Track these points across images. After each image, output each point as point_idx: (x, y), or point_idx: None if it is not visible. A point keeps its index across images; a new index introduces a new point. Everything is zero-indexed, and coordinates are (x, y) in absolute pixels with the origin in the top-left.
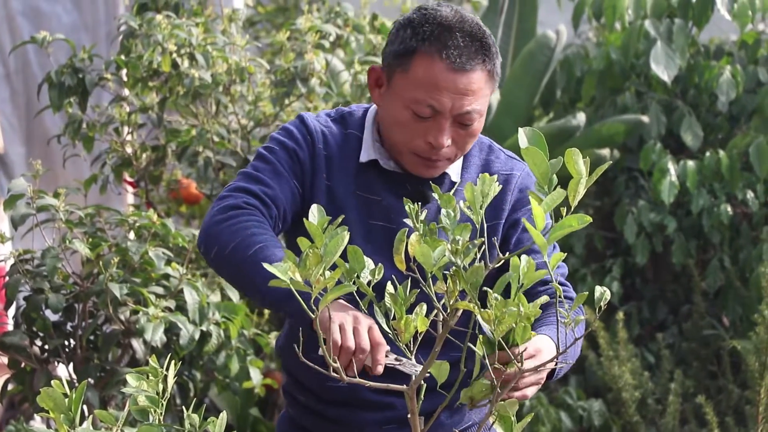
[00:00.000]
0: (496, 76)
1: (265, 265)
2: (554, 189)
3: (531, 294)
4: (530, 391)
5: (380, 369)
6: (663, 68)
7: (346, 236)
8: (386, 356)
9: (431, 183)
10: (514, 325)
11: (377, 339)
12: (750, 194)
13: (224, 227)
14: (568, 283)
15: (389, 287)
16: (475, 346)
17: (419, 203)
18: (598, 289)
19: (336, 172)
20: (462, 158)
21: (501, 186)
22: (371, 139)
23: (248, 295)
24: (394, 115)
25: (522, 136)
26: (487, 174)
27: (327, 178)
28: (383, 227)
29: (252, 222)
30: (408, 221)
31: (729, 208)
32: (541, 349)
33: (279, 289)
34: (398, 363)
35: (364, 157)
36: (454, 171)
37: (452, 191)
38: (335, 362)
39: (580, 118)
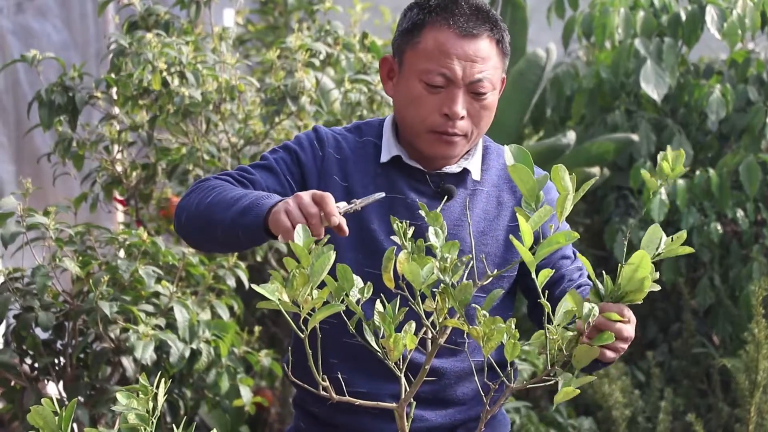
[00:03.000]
0: (505, 50)
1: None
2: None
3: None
4: (611, 357)
5: (335, 219)
6: (653, 87)
7: (332, 256)
8: (338, 207)
9: (460, 175)
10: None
11: (319, 196)
12: (740, 213)
13: (192, 193)
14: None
15: (378, 305)
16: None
17: (445, 198)
18: (587, 306)
19: (353, 174)
20: (482, 159)
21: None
22: (392, 139)
23: (214, 238)
24: (408, 94)
25: (509, 153)
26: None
27: (342, 179)
28: (409, 225)
29: (219, 183)
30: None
31: (719, 227)
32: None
33: (240, 209)
34: (351, 206)
35: (385, 157)
36: (475, 169)
37: (474, 189)
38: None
39: (570, 136)
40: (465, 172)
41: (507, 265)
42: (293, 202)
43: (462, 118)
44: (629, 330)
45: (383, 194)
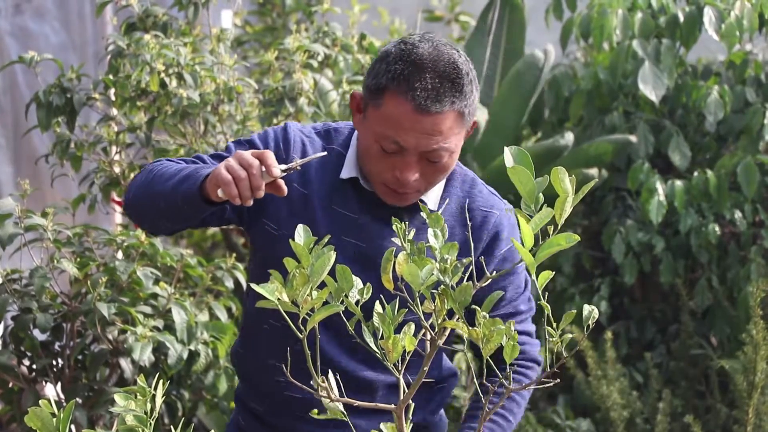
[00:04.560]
0: (469, 116)
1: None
2: (541, 208)
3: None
4: None
5: (275, 170)
6: (651, 88)
7: (333, 256)
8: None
9: (416, 205)
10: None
11: (259, 153)
12: (738, 214)
13: (141, 173)
14: (536, 342)
15: (377, 306)
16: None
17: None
18: (586, 308)
19: (313, 182)
20: (443, 187)
21: (479, 224)
22: (354, 157)
23: (157, 210)
24: (366, 146)
25: (508, 155)
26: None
27: (302, 185)
28: (354, 245)
29: (169, 163)
30: (385, 242)
31: (717, 228)
32: None
33: (180, 177)
34: (291, 164)
35: (345, 174)
36: (432, 200)
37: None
38: (238, 197)
39: (568, 137)
40: (421, 201)
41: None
42: (233, 158)
43: (414, 180)
44: None
45: (325, 153)
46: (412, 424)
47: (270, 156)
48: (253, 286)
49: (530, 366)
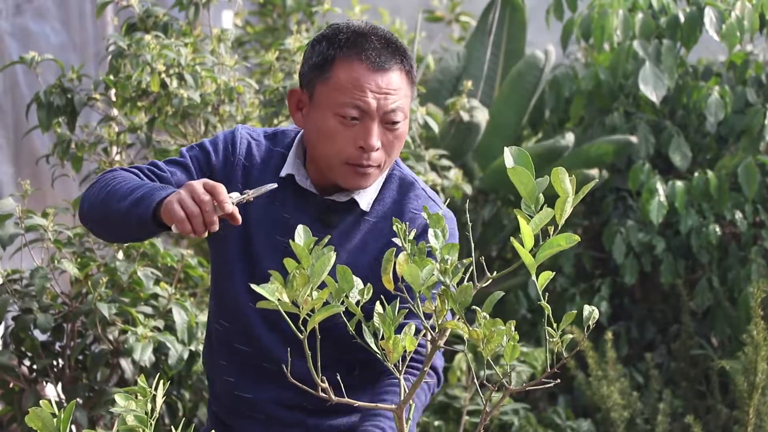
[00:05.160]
0: (414, 79)
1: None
2: (542, 208)
3: None
4: None
5: (228, 207)
6: (651, 89)
7: (333, 256)
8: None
9: (347, 205)
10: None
11: (211, 186)
12: (738, 214)
13: (96, 183)
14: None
15: (378, 306)
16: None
17: (324, 227)
18: (587, 309)
19: (254, 184)
20: (379, 189)
21: (409, 223)
22: (294, 155)
23: (111, 228)
24: (321, 127)
25: (508, 155)
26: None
27: (245, 186)
28: (287, 245)
29: (124, 175)
30: None
31: (717, 228)
32: None
33: (134, 199)
34: (244, 196)
35: (283, 172)
36: (364, 201)
37: (360, 219)
38: (193, 232)
39: (569, 138)
40: (353, 202)
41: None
42: (185, 191)
43: (377, 149)
44: None
45: (275, 185)
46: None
47: (222, 191)
48: (254, 287)
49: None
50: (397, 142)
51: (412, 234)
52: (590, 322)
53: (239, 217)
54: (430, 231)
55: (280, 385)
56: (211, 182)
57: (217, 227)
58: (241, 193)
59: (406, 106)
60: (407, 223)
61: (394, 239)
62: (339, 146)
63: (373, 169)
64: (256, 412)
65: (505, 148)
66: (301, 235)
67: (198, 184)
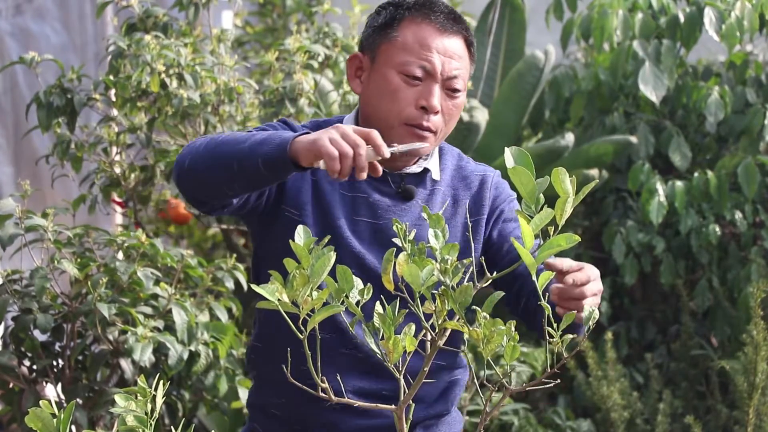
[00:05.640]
0: (474, 56)
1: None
2: (542, 209)
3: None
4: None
5: (385, 151)
6: (651, 89)
7: (333, 256)
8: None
9: (420, 176)
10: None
11: (366, 132)
12: (738, 214)
13: (196, 142)
14: None
15: (377, 307)
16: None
17: (405, 200)
18: (587, 309)
19: (318, 172)
20: (438, 160)
21: (479, 185)
22: None
23: (226, 174)
24: (384, 86)
25: (508, 155)
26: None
27: (312, 173)
28: (369, 224)
29: (224, 133)
30: (396, 215)
31: (717, 229)
32: (598, 277)
33: (259, 139)
34: (392, 149)
35: None
36: (434, 169)
37: (433, 189)
38: (338, 173)
39: (569, 138)
40: (425, 171)
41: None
42: (335, 131)
43: (437, 112)
44: (584, 276)
45: (426, 144)
46: (435, 415)
47: (378, 136)
48: (254, 287)
49: None
50: (455, 110)
51: (491, 191)
52: (591, 323)
53: (380, 168)
54: (430, 231)
55: (359, 373)
56: (364, 129)
57: (365, 175)
58: (389, 146)
59: (465, 78)
60: (473, 183)
61: (464, 202)
62: (400, 105)
63: (431, 134)
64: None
65: (506, 148)
66: (301, 235)
67: (349, 127)
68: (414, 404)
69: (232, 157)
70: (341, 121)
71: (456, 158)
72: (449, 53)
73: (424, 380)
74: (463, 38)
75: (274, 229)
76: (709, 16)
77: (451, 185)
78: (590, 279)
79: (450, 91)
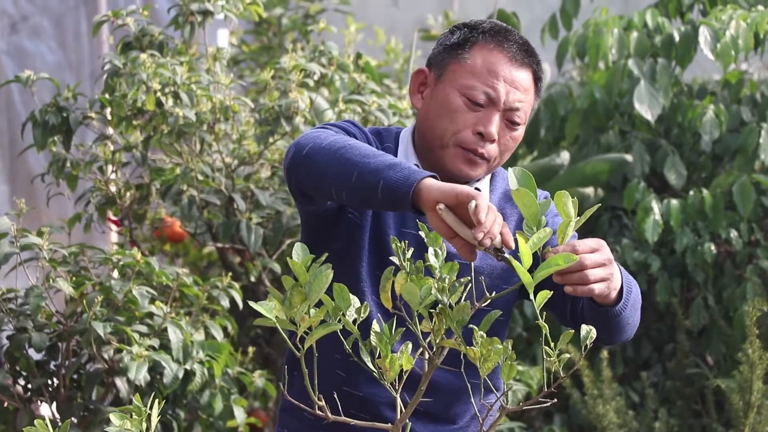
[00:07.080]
0: (540, 90)
1: None
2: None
3: None
4: (597, 288)
5: (512, 243)
6: (646, 107)
7: (330, 274)
8: None
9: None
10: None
11: (498, 216)
12: (734, 233)
13: (318, 131)
14: None
15: (375, 325)
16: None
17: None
18: (584, 328)
19: None
20: (489, 182)
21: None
22: (411, 149)
23: (342, 179)
24: (445, 105)
25: (512, 176)
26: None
27: None
28: (415, 236)
29: (339, 134)
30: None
31: (713, 247)
32: (602, 247)
33: (387, 162)
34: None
35: None
36: (484, 189)
37: None
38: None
39: (564, 156)
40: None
41: (514, 278)
42: (484, 201)
43: (493, 141)
44: (595, 258)
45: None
46: None
47: (507, 228)
48: (252, 303)
49: None
50: (512, 143)
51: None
52: (588, 342)
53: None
54: (430, 249)
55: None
56: (496, 213)
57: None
58: (502, 251)
59: (527, 112)
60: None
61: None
62: (457, 126)
63: (483, 162)
64: (363, 411)
65: (509, 169)
66: (298, 252)
67: (491, 206)
68: (445, 423)
69: (354, 167)
70: (399, 133)
71: (506, 181)
72: (516, 84)
73: (457, 399)
74: (533, 72)
75: (335, 230)
76: (704, 35)
77: (498, 206)
78: (593, 249)
79: (510, 122)
